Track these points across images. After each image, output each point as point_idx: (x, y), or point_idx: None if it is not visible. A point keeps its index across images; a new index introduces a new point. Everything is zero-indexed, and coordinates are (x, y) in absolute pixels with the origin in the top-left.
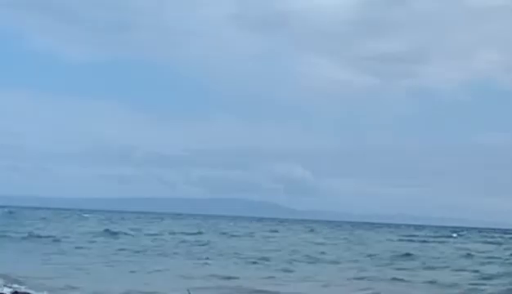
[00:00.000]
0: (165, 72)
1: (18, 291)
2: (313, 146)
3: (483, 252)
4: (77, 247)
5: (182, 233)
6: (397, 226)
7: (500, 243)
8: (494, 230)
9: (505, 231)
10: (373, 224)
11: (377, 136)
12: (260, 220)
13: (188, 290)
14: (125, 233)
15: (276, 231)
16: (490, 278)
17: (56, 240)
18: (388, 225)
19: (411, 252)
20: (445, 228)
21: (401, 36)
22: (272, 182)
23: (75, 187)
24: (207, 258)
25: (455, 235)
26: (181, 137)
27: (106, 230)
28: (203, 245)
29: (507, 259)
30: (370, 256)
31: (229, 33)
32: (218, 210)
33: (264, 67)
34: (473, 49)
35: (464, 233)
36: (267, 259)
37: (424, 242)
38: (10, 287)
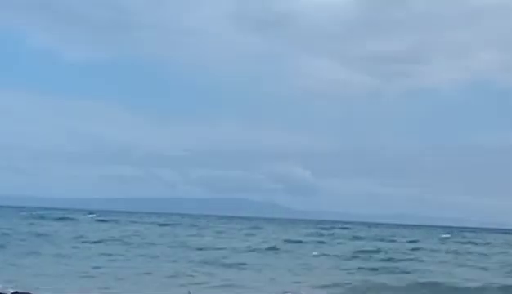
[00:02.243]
0: (165, 72)
1: (18, 291)
2: (313, 146)
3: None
4: None
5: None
6: (396, 226)
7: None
8: (495, 230)
9: (505, 231)
10: (365, 223)
11: (377, 136)
12: (249, 219)
13: (189, 291)
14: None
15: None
16: None
17: None
18: (387, 225)
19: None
20: (444, 228)
21: (401, 36)
22: (272, 182)
23: (75, 187)
24: None
25: (447, 236)
26: (181, 137)
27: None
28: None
29: None
30: None
31: (229, 33)
32: (218, 210)
33: (264, 67)
34: (473, 49)
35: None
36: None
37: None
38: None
